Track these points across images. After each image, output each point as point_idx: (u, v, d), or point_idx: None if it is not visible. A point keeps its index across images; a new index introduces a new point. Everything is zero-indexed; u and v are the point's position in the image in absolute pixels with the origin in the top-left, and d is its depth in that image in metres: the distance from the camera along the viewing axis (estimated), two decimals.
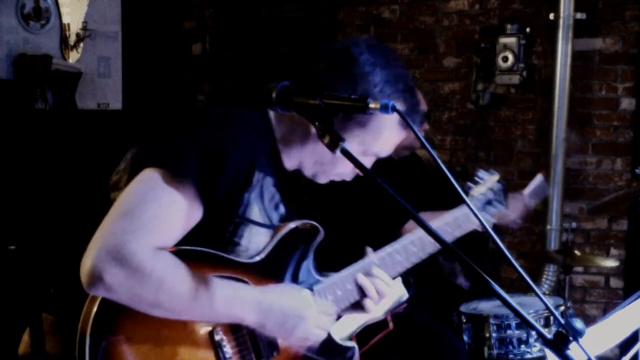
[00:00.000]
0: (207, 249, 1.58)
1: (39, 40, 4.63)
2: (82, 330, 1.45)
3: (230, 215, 1.60)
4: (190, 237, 1.55)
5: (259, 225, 1.66)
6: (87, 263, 1.43)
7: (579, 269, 4.44)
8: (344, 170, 1.77)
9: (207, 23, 5.48)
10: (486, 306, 3.27)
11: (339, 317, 1.86)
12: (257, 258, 1.67)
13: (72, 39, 4.77)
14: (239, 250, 1.64)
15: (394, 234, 3.23)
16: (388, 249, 1.92)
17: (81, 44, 4.80)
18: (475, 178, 2.39)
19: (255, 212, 1.64)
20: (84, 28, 4.80)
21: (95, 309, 1.46)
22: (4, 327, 2.21)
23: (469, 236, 3.14)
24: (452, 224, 2.09)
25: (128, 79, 5.10)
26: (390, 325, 2.80)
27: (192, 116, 1.70)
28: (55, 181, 4.26)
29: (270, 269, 1.69)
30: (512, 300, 1.27)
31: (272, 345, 1.70)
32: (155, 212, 1.48)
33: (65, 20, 4.76)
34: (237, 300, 1.57)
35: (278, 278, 1.72)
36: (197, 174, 1.51)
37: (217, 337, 1.60)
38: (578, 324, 1.26)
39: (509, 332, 3.09)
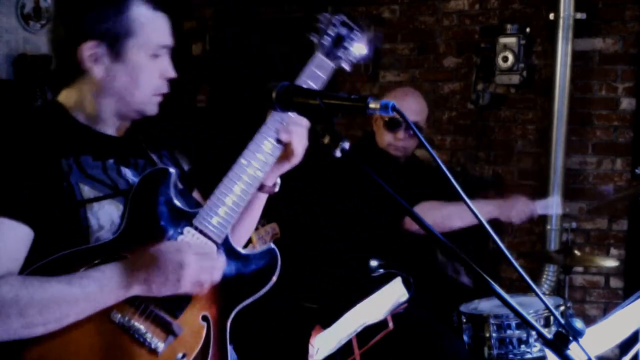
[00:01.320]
0: (69, 250, 1.56)
1: (39, 40, 4.63)
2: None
3: (66, 211, 1.58)
4: (51, 248, 1.55)
5: (101, 200, 1.62)
6: None
7: (579, 269, 4.43)
8: (148, 78, 1.75)
9: (207, 23, 5.48)
10: (486, 306, 3.27)
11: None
12: (120, 230, 1.62)
13: None
14: (96, 231, 1.60)
15: (394, 230, 3.26)
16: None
17: None
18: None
19: (86, 192, 1.61)
20: None
21: None
22: None
23: (469, 236, 3.15)
24: None
25: None
26: (390, 325, 2.80)
27: None
28: None
29: (142, 231, 1.65)
30: (512, 300, 1.27)
31: (178, 295, 1.63)
32: None
33: None
34: (111, 280, 1.54)
35: (154, 234, 1.66)
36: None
37: (118, 319, 1.57)
38: (578, 324, 1.27)
39: (509, 332, 3.09)
